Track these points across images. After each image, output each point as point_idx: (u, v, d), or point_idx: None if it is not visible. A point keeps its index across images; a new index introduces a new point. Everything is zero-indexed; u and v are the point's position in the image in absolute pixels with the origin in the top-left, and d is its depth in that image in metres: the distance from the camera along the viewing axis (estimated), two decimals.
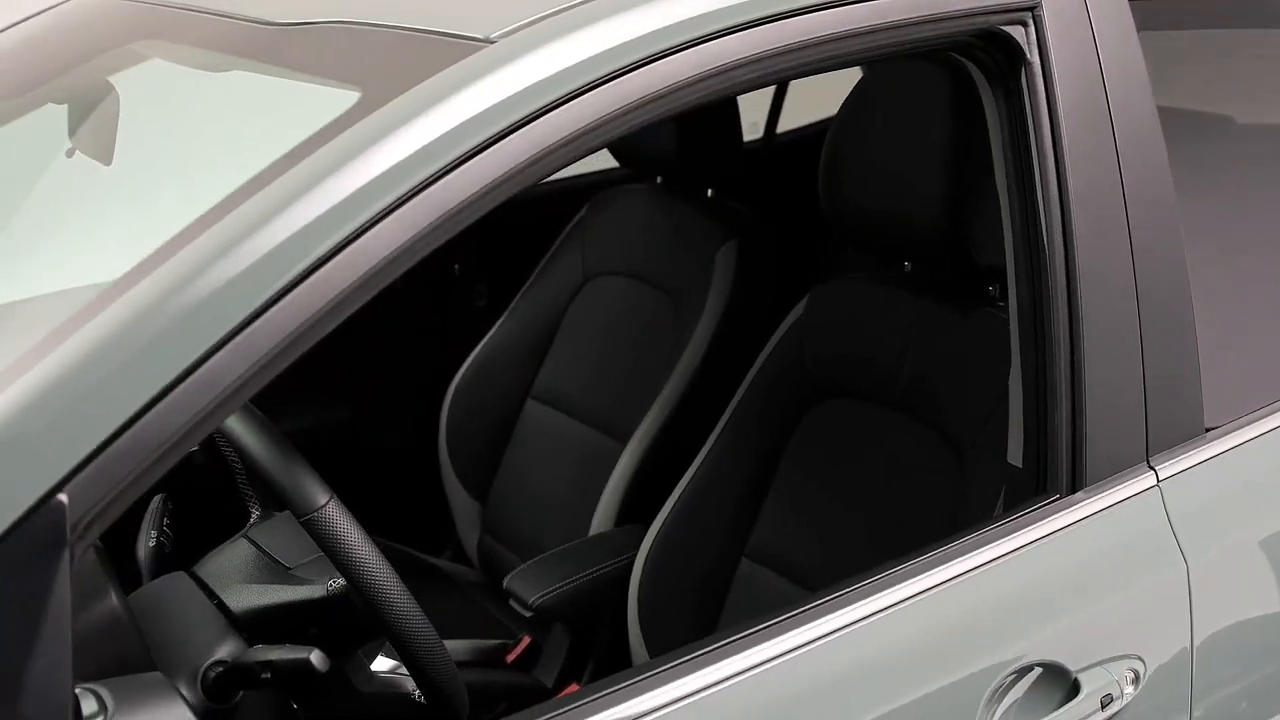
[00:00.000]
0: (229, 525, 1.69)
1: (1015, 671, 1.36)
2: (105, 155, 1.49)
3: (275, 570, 1.49)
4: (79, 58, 1.56)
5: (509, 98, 1.16)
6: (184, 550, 1.65)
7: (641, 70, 1.23)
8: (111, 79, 1.51)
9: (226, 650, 1.39)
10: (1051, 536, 1.43)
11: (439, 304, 2.85)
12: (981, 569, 1.38)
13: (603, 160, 2.59)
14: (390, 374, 2.83)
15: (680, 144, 2.40)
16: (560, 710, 1.21)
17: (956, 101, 1.73)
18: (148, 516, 1.69)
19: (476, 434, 2.61)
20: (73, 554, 1.00)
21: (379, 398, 2.83)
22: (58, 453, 1.00)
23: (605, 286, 2.58)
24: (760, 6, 1.29)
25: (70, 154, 1.55)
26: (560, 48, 1.20)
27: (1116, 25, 1.53)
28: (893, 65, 1.82)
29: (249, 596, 1.46)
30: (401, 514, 2.76)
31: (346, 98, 1.20)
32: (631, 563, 2.08)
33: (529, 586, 2.12)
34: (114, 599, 1.26)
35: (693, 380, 2.33)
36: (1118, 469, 1.48)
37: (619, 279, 2.56)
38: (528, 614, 2.11)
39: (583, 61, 1.20)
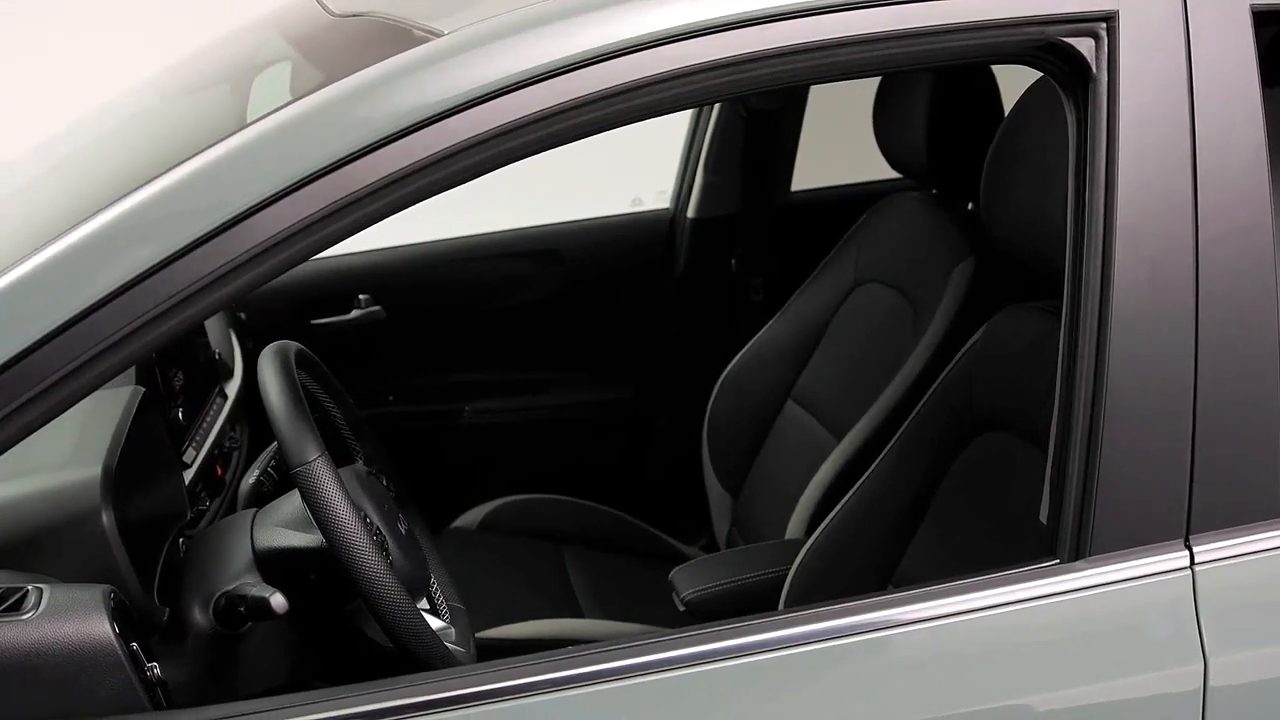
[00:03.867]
0: None
1: None
2: None
3: (301, 518, 1.60)
4: (246, 46, 1.76)
5: (417, 91, 1.21)
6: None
7: (583, 70, 1.23)
8: (245, 66, 1.68)
9: (236, 583, 1.52)
10: (1026, 604, 1.29)
11: (716, 296, 2.89)
12: (923, 624, 1.28)
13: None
14: (669, 359, 2.91)
15: (943, 154, 2.31)
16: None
17: None
18: (260, 457, 1.86)
19: (736, 428, 2.64)
20: None
21: (657, 380, 2.92)
22: None
23: (869, 293, 2.53)
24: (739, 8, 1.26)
25: None
26: (485, 49, 1.23)
27: (1226, 46, 1.34)
28: (1042, 88, 1.67)
29: (269, 538, 1.58)
30: (663, 497, 2.85)
31: (314, 79, 1.29)
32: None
33: (686, 581, 2.14)
34: (104, 520, 1.43)
35: (904, 396, 2.24)
36: (1139, 542, 1.31)
37: (880, 286, 2.50)
38: (681, 609, 2.13)
39: (501, 62, 1.22)
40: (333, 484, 1.44)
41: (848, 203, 2.71)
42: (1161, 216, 1.32)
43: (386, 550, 1.53)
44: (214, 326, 2.41)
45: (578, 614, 2.43)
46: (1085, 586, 1.30)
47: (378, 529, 1.54)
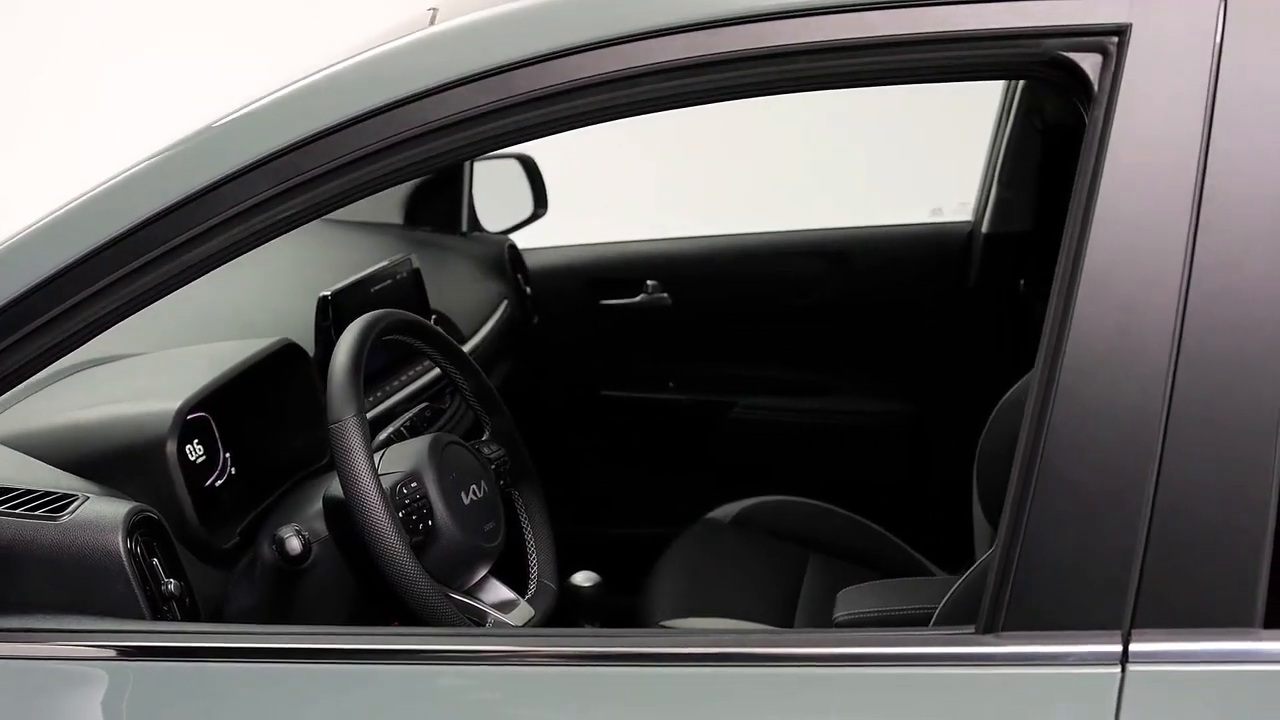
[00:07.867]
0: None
1: None
2: None
3: None
4: None
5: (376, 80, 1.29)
6: None
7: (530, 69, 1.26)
8: None
9: (298, 524, 1.66)
10: (921, 667, 1.19)
11: (1004, 317, 2.72)
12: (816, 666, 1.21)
13: None
14: (952, 377, 2.78)
15: None
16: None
17: None
18: (401, 418, 1.98)
19: (1006, 457, 2.49)
20: None
21: (938, 398, 2.80)
22: None
23: None
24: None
25: None
26: (447, 40, 1.29)
27: (1270, 78, 1.14)
28: None
29: (337, 488, 1.70)
30: (932, 520, 2.73)
31: (331, 59, 1.39)
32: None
33: (847, 602, 2.07)
34: (168, 449, 1.60)
35: None
36: (1065, 625, 1.16)
37: None
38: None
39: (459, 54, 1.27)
40: (358, 443, 1.53)
41: None
42: (1144, 259, 1.15)
43: (426, 514, 1.61)
44: (485, 299, 2.57)
45: (788, 622, 2.40)
46: (982, 658, 1.18)
47: (421, 494, 1.62)
